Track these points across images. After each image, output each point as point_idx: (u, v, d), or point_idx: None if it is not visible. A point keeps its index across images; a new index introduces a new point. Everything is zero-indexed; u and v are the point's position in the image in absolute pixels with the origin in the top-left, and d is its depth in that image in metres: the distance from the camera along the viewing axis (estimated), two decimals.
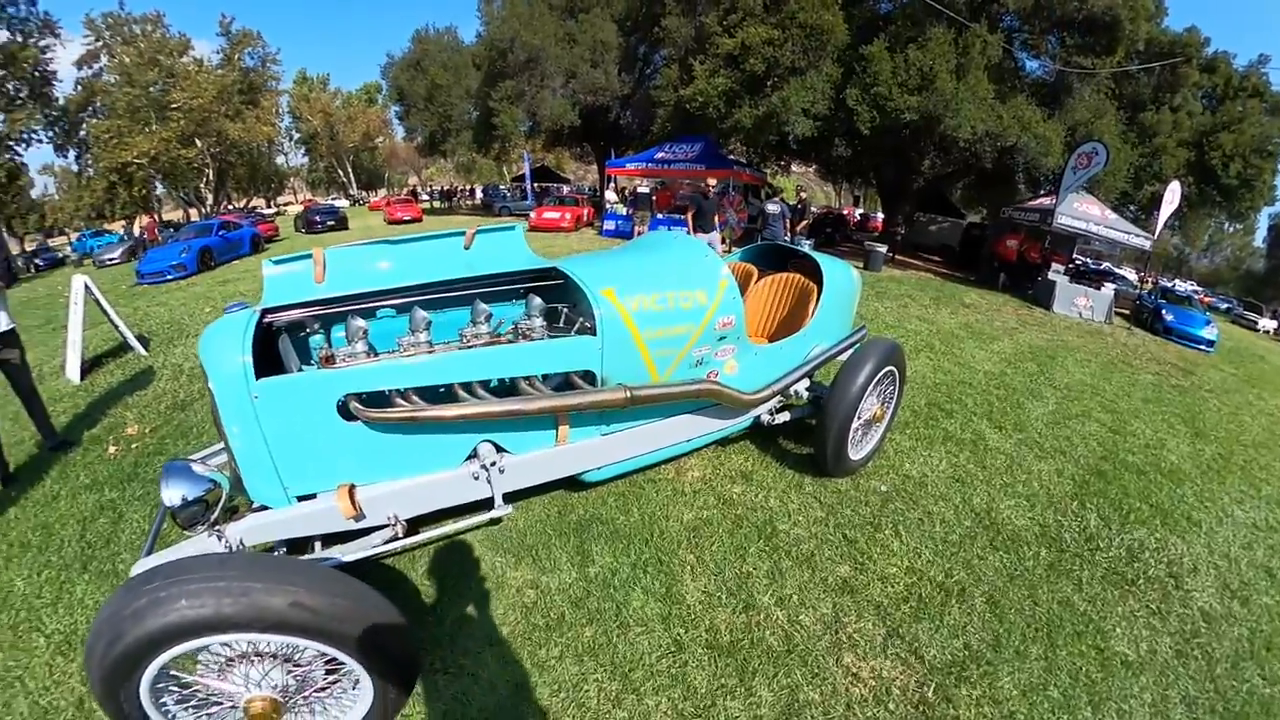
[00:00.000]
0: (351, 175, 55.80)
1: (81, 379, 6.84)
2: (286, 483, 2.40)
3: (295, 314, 2.69)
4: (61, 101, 30.72)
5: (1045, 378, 6.60)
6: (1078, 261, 15.96)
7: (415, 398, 2.43)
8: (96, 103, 32.21)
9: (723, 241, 15.80)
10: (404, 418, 2.26)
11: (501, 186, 39.17)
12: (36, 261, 26.47)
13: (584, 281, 2.85)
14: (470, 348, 2.64)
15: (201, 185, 37.00)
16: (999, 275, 14.43)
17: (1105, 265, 16.95)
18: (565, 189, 32.06)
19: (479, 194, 43.24)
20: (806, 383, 3.79)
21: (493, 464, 2.57)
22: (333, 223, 24.61)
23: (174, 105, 31.38)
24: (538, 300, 2.87)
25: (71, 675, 2.70)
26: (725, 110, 15.99)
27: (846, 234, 22.53)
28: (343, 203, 43.05)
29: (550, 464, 2.88)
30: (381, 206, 34.60)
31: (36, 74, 27.77)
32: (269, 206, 50.26)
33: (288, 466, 2.37)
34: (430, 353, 2.56)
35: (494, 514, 2.52)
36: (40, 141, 29.98)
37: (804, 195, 12.60)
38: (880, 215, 26.08)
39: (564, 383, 2.88)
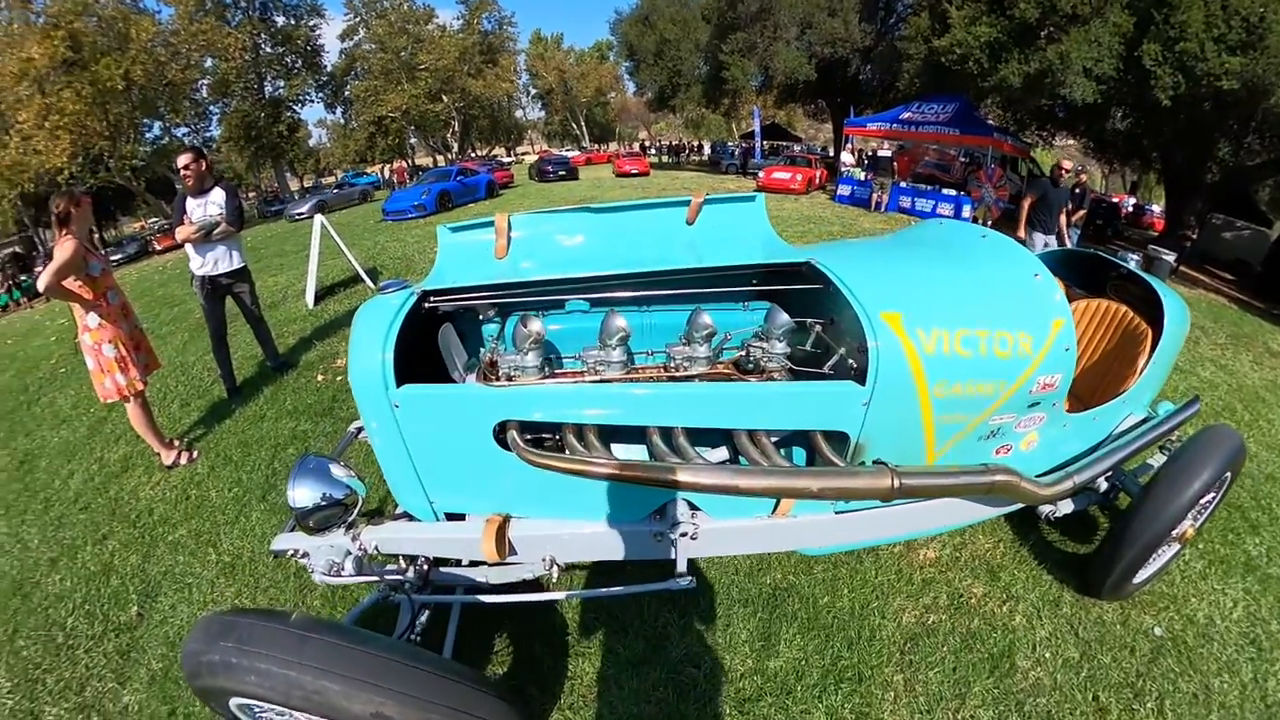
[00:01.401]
0: (584, 129, 58.32)
1: (314, 305, 7.63)
2: (432, 496, 2.01)
3: (461, 300, 2.21)
4: (329, 68, 36.77)
5: None
6: None
7: (594, 438, 1.85)
8: (357, 67, 38.18)
9: (976, 224, 13.52)
10: (572, 469, 1.69)
11: (729, 143, 38.10)
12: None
13: (856, 295, 1.97)
14: (679, 377, 2.03)
15: (448, 135, 42.21)
16: None
17: None
18: (796, 148, 30.19)
19: (706, 150, 42.58)
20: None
21: (683, 533, 1.94)
22: (563, 173, 25.60)
23: (421, 66, 36.20)
24: (783, 317, 2.11)
25: (227, 599, 2.81)
26: (988, 65, 13.36)
27: (1118, 229, 18.27)
28: (575, 154, 45.49)
29: (760, 538, 2.17)
30: (582, 163, 35.40)
31: (308, 48, 33.71)
32: (508, 155, 54.72)
33: (433, 481, 1.97)
34: (624, 377, 2.00)
35: (672, 584, 1.91)
36: (313, 101, 36.45)
37: (1083, 177, 9.93)
38: (1155, 208, 21.11)
39: (795, 436, 2.15)
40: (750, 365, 2.20)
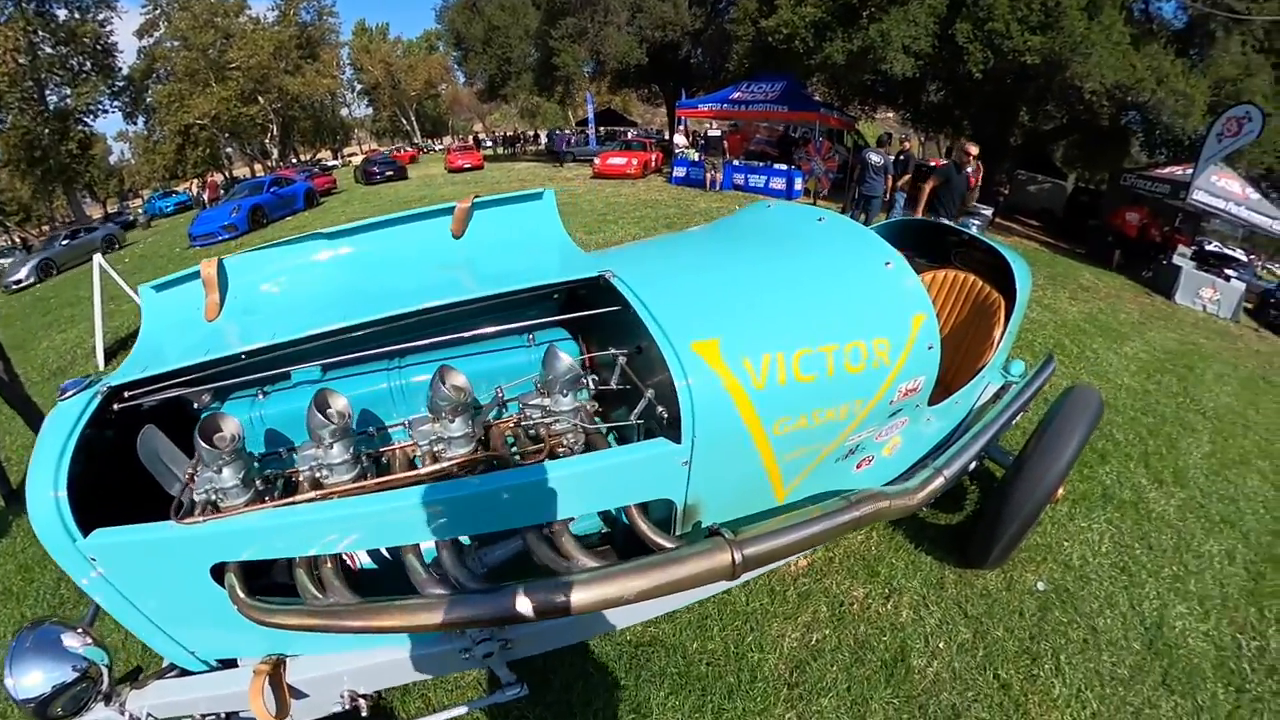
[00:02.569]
0: (415, 124, 54.42)
1: (105, 364, 6.45)
2: (187, 645, 1.58)
3: (160, 391, 1.63)
4: (125, 71, 31.41)
5: (1190, 400, 5.30)
6: (1203, 244, 13.49)
7: (330, 573, 1.44)
8: (158, 69, 33.08)
9: (809, 195, 13.72)
10: (299, 625, 1.30)
11: (565, 131, 36.82)
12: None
13: (657, 320, 1.58)
14: (431, 472, 1.56)
15: (267, 140, 37.87)
16: (1113, 252, 12.46)
17: (1215, 246, 14.51)
18: (631, 133, 29.61)
19: (543, 139, 40.78)
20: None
21: (487, 654, 1.58)
22: (391, 173, 23.66)
23: (232, 65, 32.08)
24: (563, 361, 1.60)
25: None
26: (814, 44, 13.94)
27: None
28: (399, 151, 42.11)
29: (594, 622, 1.84)
30: (409, 159, 31.44)
31: (98, 47, 28.19)
32: (335, 158, 49.84)
33: (179, 630, 1.54)
34: (351, 485, 1.52)
35: (499, 698, 1.61)
36: (108, 111, 30.62)
37: (907, 145, 10.49)
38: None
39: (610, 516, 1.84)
40: (527, 439, 1.76)
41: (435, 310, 1.64)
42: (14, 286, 14.89)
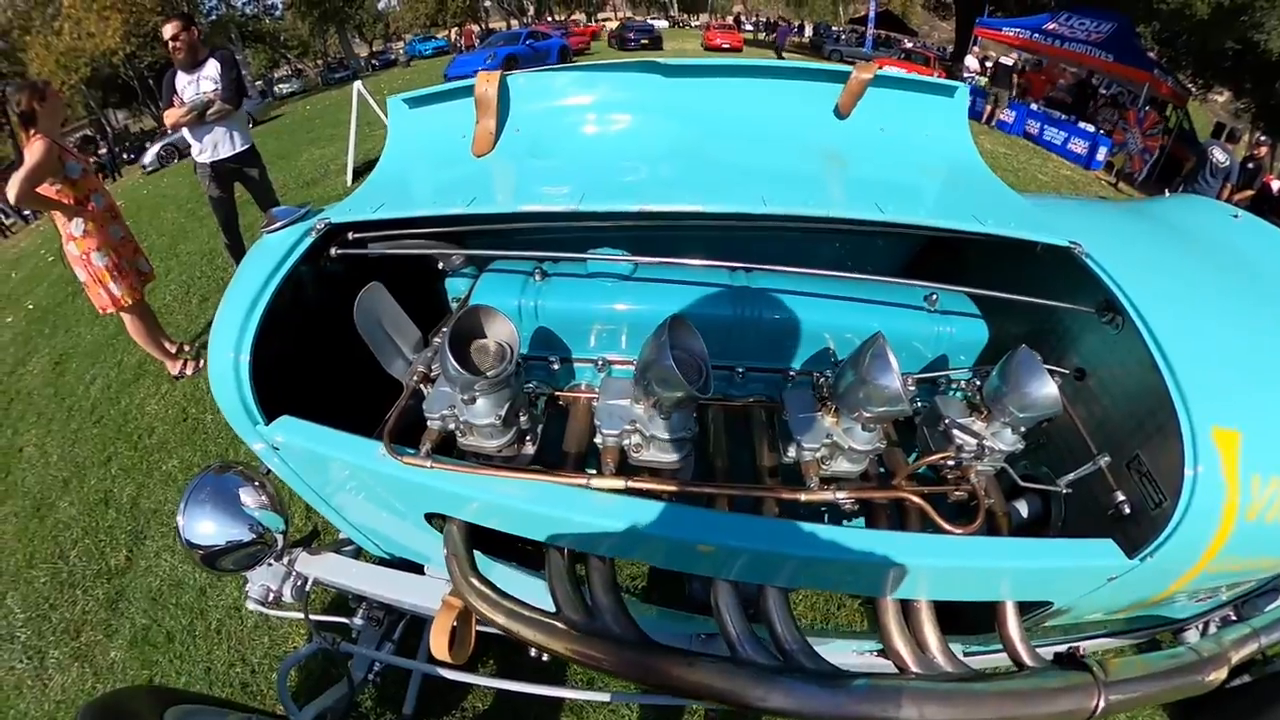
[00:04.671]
0: None
1: (352, 182, 7.12)
2: (372, 538, 1.38)
3: (394, 242, 1.25)
4: None
5: None
6: None
7: (599, 586, 1.00)
8: None
9: (1110, 172, 11.04)
10: (544, 647, 0.94)
11: (835, 27, 33.50)
12: (374, 62, 30.62)
13: (1177, 375, 0.98)
14: (813, 500, 1.04)
15: None
16: None
17: None
18: (909, 43, 26.02)
19: (808, 31, 36.12)
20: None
21: None
22: (646, 41, 23.26)
23: None
24: (1047, 388, 1.03)
25: None
26: None
27: (1262, 215, 14.99)
28: (662, 24, 40.54)
29: None
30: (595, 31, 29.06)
31: None
32: (590, 22, 50.56)
33: (365, 525, 1.33)
34: (675, 483, 1.03)
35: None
36: None
37: (1263, 151, 7.62)
38: None
39: None
40: (948, 471, 1.15)
41: (808, 222, 1.11)
42: (148, 169, 14.28)
